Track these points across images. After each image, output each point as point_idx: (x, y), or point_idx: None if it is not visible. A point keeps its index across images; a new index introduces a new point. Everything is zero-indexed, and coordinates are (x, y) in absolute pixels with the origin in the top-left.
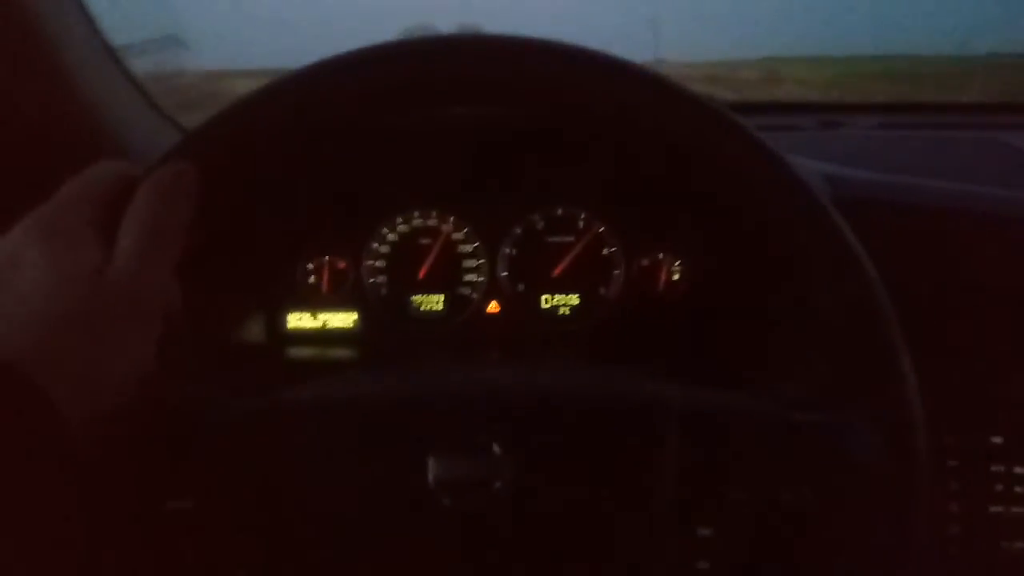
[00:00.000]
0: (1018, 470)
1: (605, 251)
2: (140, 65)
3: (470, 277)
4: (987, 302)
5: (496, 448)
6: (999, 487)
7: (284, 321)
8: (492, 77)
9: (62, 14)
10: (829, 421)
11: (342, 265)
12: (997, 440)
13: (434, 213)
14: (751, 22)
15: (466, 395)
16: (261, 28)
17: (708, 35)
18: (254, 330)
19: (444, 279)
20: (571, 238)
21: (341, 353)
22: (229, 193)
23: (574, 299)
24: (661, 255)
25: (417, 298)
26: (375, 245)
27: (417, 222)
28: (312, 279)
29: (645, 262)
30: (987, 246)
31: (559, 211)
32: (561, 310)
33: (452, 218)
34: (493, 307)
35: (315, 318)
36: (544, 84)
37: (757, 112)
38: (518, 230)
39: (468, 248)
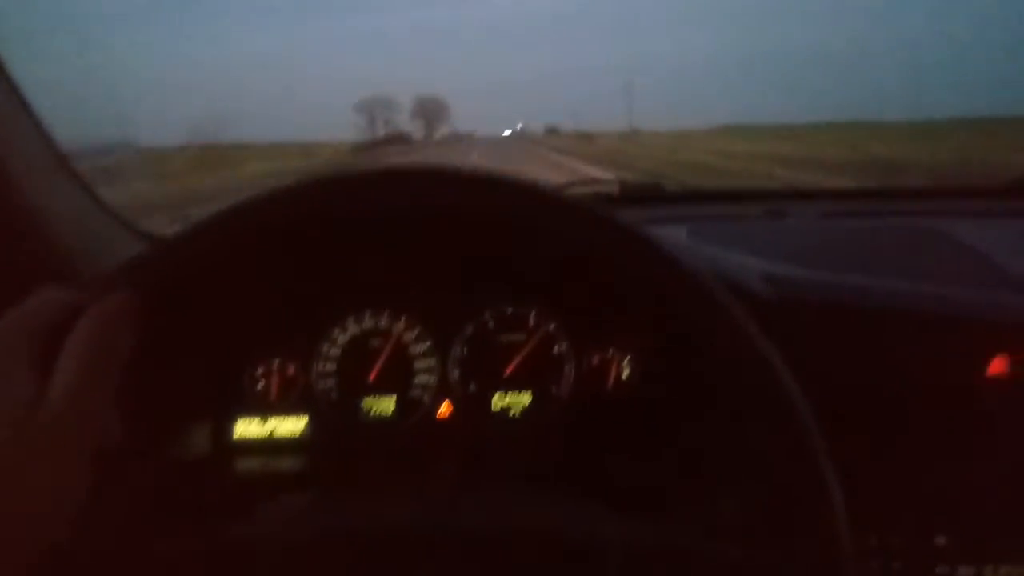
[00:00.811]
0: (963, 570)
1: (556, 349)
2: (93, 167)
3: (421, 378)
4: (925, 401)
5: None
6: None
7: (231, 430)
8: (415, 210)
9: (8, 121)
10: (757, 557)
11: (291, 369)
12: (941, 541)
13: (386, 313)
14: (712, 92)
15: (394, 531)
16: (220, 99)
17: (675, 102)
18: (199, 442)
19: (395, 381)
20: (522, 336)
21: (289, 463)
22: (173, 317)
23: (526, 398)
24: (611, 352)
25: (368, 402)
26: (326, 347)
27: (368, 323)
28: (260, 384)
29: (595, 360)
30: (922, 346)
31: (509, 309)
32: (512, 411)
33: (404, 317)
34: (444, 411)
35: (263, 425)
36: (466, 213)
37: (706, 200)
38: (469, 329)
39: (419, 348)
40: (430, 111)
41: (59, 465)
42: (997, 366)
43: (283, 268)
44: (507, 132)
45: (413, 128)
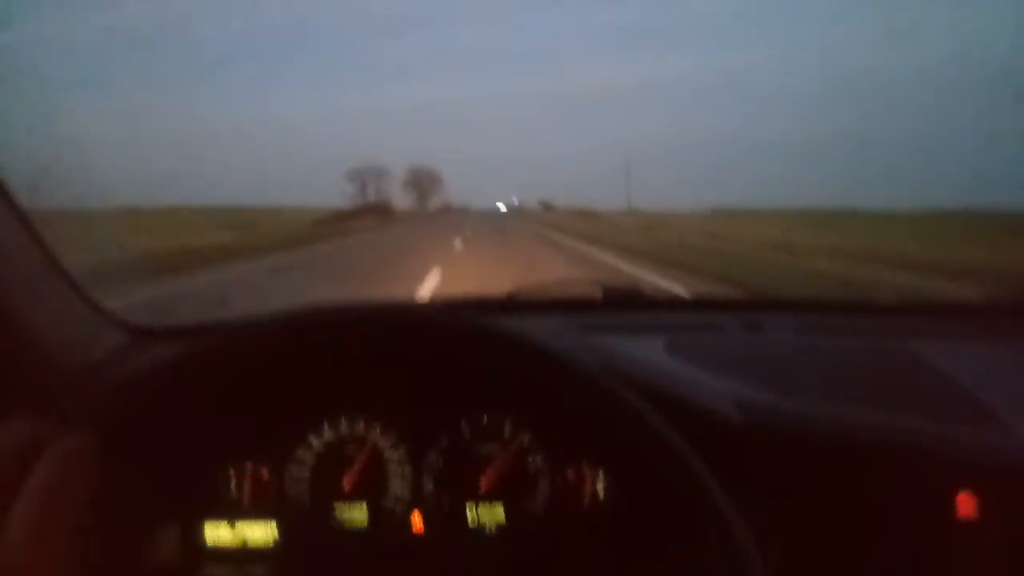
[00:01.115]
0: None
1: (531, 461)
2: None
3: (395, 488)
4: (888, 535)
5: None
6: None
7: (201, 534)
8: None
9: None
10: None
11: (264, 473)
12: None
13: (361, 420)
14: (703, 175)
15: None
16: (221, 168)
17: (666, 183)
18: (168, 547)
19: (368, 490)
20: (497, 448)
21: (259, 571)
22: (138, 441)
23: (500, 513)
24: (585, 467)
25: (340, 511)
26: (300, 452)
27: (344, 429)
28: (233, 488)
29: (570, 474)
30: (890, 480)
31: (485, 418)
32: (487, 528)
33: (379, 425)
34: (417, 525)
35: (233, 529)
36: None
37: (684, 309)
38: (445, 439)
39: (394, 456)
40: (423, 182)
41: None
42: (965, 505)
43: (256, 383)
44: (501, 206)
45: (406, 198)
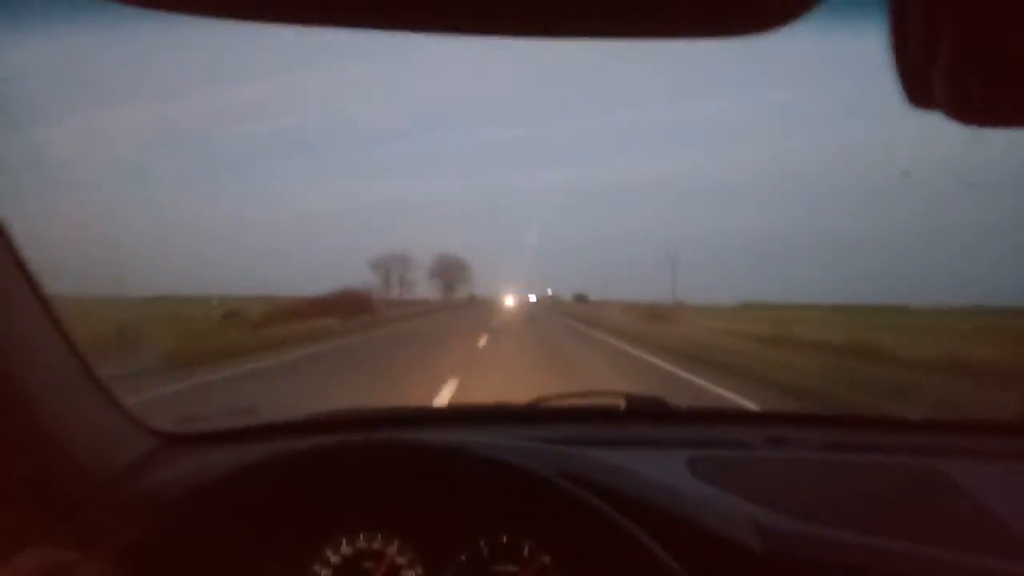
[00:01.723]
0: None
1: None
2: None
3: None
4: None
5: None
6: None
7: None
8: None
9: (35, 333)
10: None
11: None
12: None
13: (379, 536)
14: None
15: None
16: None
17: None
18: None
19: None
20: (515, 567)
21: None
22: (158, 567)
23: None
24: None
25: None
26: (317, 568)
27: (361, 544)
28: None
29: None
30: None
31: (504, 538)
32: None
33: (397, 541)
34: None
35: None
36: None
37: (708, 421)
38: (463, 557)
39: (411, 574)
40: (450, 270)
41: None
42: None
43: (278, 506)
44: (532, 298)
45: (431, 288)
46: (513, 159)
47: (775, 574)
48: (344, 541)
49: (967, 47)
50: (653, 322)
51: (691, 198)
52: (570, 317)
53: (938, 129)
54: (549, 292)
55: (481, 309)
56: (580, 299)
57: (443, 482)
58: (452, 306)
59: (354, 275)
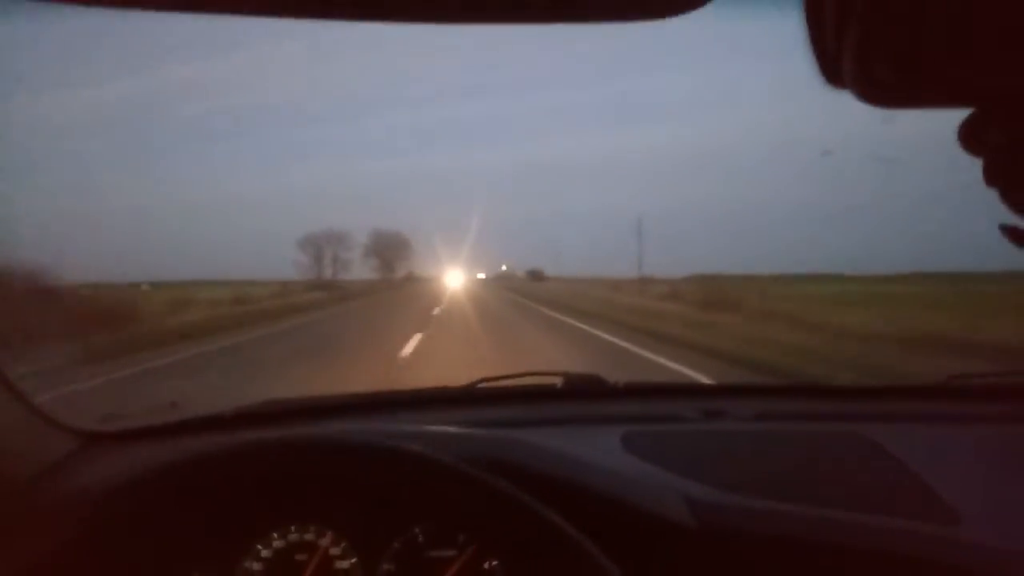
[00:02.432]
0: None
1: (486, 566)
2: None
3: None
4: None
5: None
6: None
7: None
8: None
9: None
10: None
11: None
12: None
13: (312, 528)
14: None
15: None
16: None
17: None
18: None
19: None
20: (452, 551)
21: None
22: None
23: None
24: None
25: None
26: (248, 563)
27: (293, 537)
28: None
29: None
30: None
31: (437, 526)
32: None
33: (330, 532)
34: None
35: None
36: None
37: (645, 396)
38: (397, 544)
39: (345, 564)
40: (389, 249)
41: None
42: None
43: (201, 503)
44: (481, 276)
45: (367, 268)
46: (459, 138)
47: (707, 547)
48: (275, 535)
49: (875, 32)
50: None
51: (641, 174)
52: (525, 297)
53: (854, 107)
54: (503, 268)
55: (417, 292)
56: (535, 276)
57: (363, 475)
58: (386, 288)
59: (284, 259)
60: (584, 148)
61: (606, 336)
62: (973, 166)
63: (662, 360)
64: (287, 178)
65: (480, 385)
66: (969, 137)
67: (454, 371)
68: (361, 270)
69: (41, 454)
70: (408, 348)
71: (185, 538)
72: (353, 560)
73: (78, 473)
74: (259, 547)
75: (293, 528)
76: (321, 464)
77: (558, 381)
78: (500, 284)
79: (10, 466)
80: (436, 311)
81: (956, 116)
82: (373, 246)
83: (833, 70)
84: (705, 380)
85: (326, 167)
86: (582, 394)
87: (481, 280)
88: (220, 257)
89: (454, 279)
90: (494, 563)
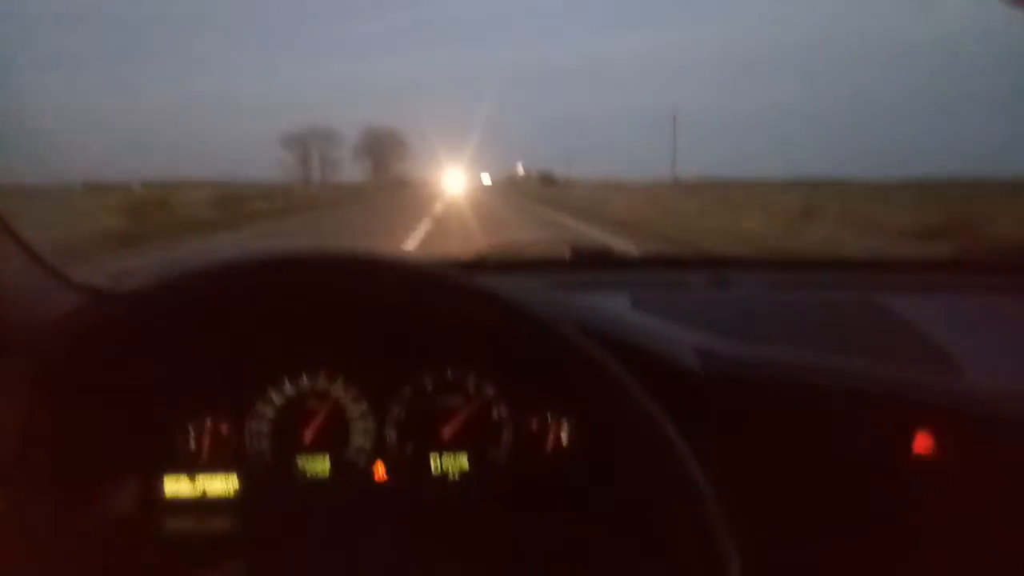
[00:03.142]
0: None
1: (495, 413)
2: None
3: (358, 440)
4: (846, 475)
5: None
6: None
7: (160, 488)
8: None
9: None
10: None
11: (224, 428)
12: None
13: (322, 374)
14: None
15: None
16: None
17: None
18: (127, 500)
19: (331, 443)
20: (461, 400)
21: (221, 524)
22: (87, 375)
23: (463, 462)
24: (549, 417)
25: (302, 462)
26: (260, 407)
27: (305, 383)
28: (192, 442)
29: (533, 424)
30: (848, 422)
31: (448, 372)
32: (450, 475)
33: (340, 378)
34: (380, 474)
35: (194, 483)
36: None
37: (653, 266)
38: (407, 391)
39: (356, 410)
40: (383, 148)
41: None
42: (922, 443)
43: (215, 331)
44: (486, 179)
45: (359, 170)
46: (467, 31)
47: (715, 394)
48: (286, 379)
49: None
50: None
51: (675, 72)
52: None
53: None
54: (521, 171)
55: (403, 202)
56: (545, 181)
57: (382, 299)
58: (363, 195)
59: (266, 158)
60: (611, 45)
61: None
62: None
63: None
64: (277, 74)
65: (489, 254)
66: None
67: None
68: (352, 171)
69: (49, 308)
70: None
71: (193, 381)
72: (363, 406)
73: (82, 322)
74: (271, 392)
75: (304, 375)
76: (347, 281)
77: (566, 250)
78: (513, 191)
79: (14, 314)
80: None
81: None
82: (366, 145)
83: None
84: None
85: (320, 63)
86: (591, 263)
87: (487, 185)
88: (204, 158)
89: (454, 184)
90: (503, 412)
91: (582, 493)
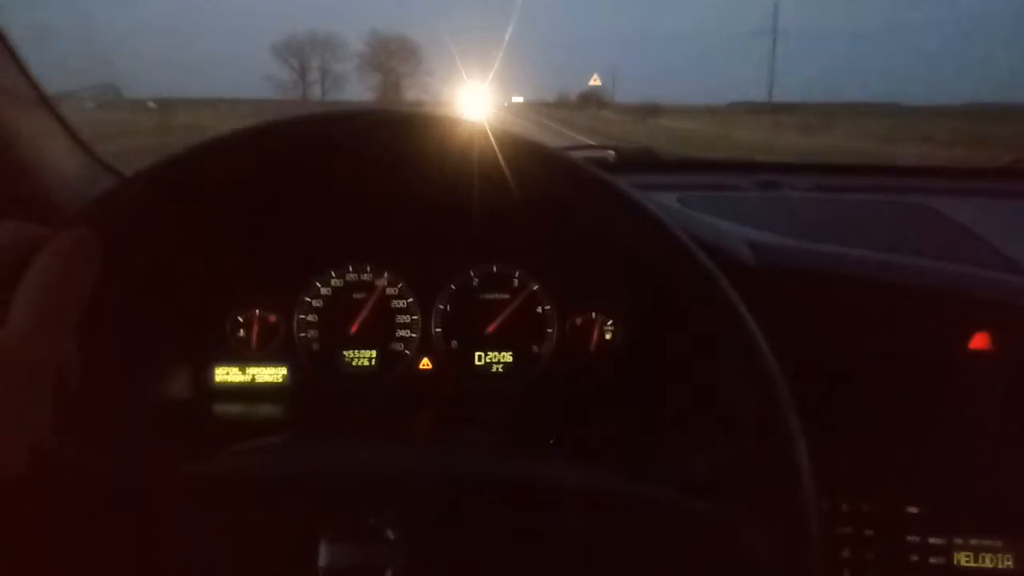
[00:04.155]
0: (933, 540)
1: (539, 309)
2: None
3: (403, 333)
4: (904, 371)
5: (390, 534)
6: (914, 557)
7: (211, 376)
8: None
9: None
10: (721, 512)
11: (272, 318)
12: (912, 510)
13: (368, 268)
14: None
15: (366, 476)
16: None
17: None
18: (179, 386)
19: (377, 334)
20: (506, 295)
21: (269, 410)
22: (144, 256)
23: (507, 356)
24: (594, 314)
25: (349, 353)
26: (307, 299)
27: (351, 276)
28: (241, 332)
29: (578, 321)
30: (903, 317)
31: (494, 268)
32: (494, 368)
33: (387, 273)
34: (425, 364)
35: (243, 372)
36: (464, 162)
37: (700, 169)
38: (453, 286)
39: (402, 303)
40: (392, 59)
41: (22, 389)
42: (978, 341)
43: (263, 215)
44: (518, 99)
45: (365, 86)
46: None
47: (769, 287)
48: (333, 273)
49: None
50: None
51: None
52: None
53: None
54: (592, 83)
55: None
56: (586, 99)
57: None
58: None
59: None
60: None
61: None
62: None
63: None
64: None
65: None
66: None
67: None
68: (357, 89)
69: (91, 193)
70: None
71: (242, 274)
72: (410, 299)
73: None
74: (318, 284)
75: (351, 267)
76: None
77: (610, 153)
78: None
79: (60, 193)
80: None
81: None
82: (372, 55)
83: None
84: None
85: None
86: (636, 166)
87: (517, 102)
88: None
89: (475, 107)
90: (546, 306)
91: (629, 387)
